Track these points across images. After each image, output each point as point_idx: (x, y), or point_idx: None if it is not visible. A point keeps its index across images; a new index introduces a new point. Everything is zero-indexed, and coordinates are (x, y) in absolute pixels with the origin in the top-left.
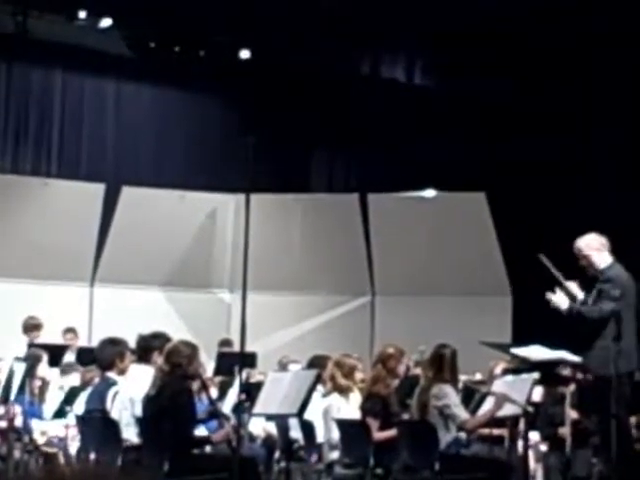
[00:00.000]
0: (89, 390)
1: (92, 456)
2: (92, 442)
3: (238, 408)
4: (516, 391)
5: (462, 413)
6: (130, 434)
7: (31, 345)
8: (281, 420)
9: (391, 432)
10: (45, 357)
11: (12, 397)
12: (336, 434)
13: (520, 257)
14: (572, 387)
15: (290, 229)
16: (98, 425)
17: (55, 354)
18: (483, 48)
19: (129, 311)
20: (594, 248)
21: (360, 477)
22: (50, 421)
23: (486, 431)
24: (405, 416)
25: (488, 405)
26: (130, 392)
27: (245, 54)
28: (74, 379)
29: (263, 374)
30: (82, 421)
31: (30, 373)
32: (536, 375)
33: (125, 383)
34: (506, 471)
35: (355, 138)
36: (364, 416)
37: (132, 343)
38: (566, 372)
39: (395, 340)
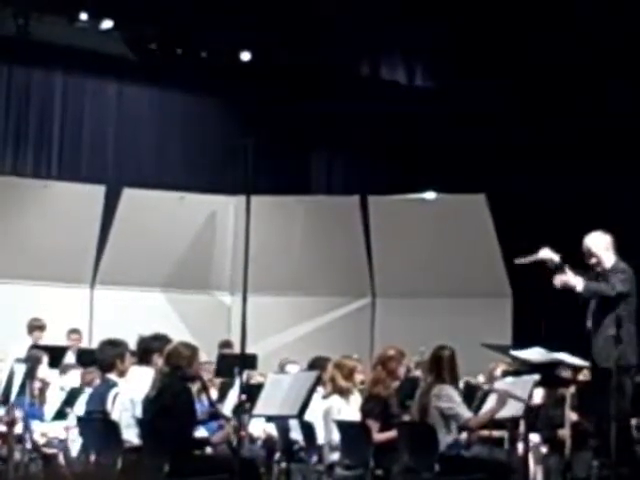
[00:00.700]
0: (89, 392)
1: (92, 457)
2: (92, 443)
3: (238, 409)
4: (517, 391)
5: (465, 412)
6: (130, 435)
7: (32, 346)
8: (281, 421)
9: (391, 434)
10: (45, 358)
11: (12, 399)
12: (336, 435)
13: None
14: (572, 389)
15: (290, 231)
16: (98, 426)
17: (55, 355)
18: (483, 48)
19: (129, 313)
20: (602, 248)
21: (360, 478)
22: (50, 422)
23: (486, 433)
24: (405, 418)
25: (491, 403)
26: (130, 393)
27: (245, 56)
28: (72, 378)
29: (263, 375)
30: (82, 422)
31: (30, 374)
32: (537, 377)
33: (125, 385)
34: (506, 473)
35: (355, 140)
36: (364, 418)
37: (132, 345)
38: (566, 374)
39: (395, 342)
